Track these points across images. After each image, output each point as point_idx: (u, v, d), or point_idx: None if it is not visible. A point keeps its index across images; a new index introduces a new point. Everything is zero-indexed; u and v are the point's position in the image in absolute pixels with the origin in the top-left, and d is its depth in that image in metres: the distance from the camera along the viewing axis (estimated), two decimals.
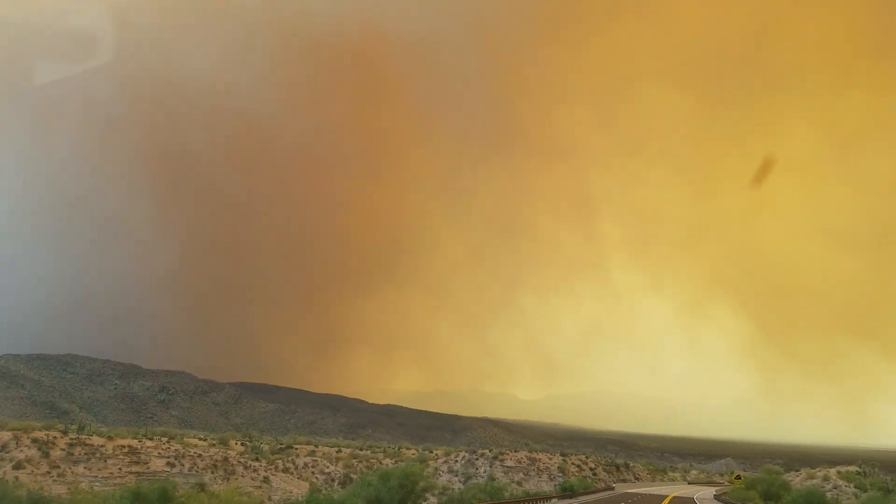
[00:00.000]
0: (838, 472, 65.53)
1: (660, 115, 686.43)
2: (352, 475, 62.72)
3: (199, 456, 47.55)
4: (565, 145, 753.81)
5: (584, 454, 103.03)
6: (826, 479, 63.48)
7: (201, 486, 45.15)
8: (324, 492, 28.74)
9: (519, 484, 73.43)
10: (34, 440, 44.35)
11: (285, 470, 55.11)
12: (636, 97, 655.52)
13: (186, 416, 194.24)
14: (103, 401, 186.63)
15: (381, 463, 71.73)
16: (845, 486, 54.70)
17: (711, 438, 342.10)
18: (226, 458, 48.84)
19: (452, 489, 49.19)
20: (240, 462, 49.70)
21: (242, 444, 68.67)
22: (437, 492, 46.76)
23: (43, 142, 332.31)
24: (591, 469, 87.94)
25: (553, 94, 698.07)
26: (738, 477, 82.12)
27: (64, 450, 42.29)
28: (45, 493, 28.68)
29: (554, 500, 51.50)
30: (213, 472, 46.55)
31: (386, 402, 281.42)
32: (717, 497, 73.11)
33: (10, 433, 45.59)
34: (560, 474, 78.02)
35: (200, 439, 70.02)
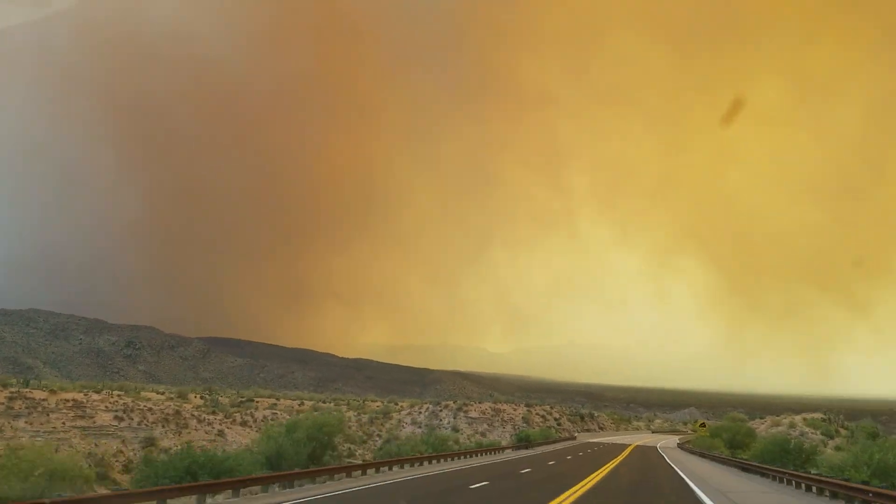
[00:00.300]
0: (804, 420, 66.04)
1: (631, 65, 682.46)
2: None
3: (150, 410, 45.94)
4: (535, 95, 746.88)
5: (548, 405, 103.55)
6: (792, 426, 63.89)
7: (150, 441, 43.71)
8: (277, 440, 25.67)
9: (483, 434, 73.15)
10: None
11: (243, 423, 53.78)
12: (607, 46, 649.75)
13: (154, 371, 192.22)
14: (68, 356, 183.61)
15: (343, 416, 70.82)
16: (811, 432, 54.81)
17: (676, 389, 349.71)
18: (178, 412, 47.26)
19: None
20: (193, 416, 48.21)
21: (202, 398, 67.18)
22: (372, 442, 44.82)
23: None
24: (555, 419, 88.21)
25: (523, 42, 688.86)
26: (703, 425, 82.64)
27: (3, 403, 40.35)
28: None
29: (508, 451, 49.61)
30: (163, 426, 45.02)
31: (356, 356, 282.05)
32: (680, 446, 73.36)
33: None
34: (524, 425, 77.92)
35: (159, 393, 68.47)
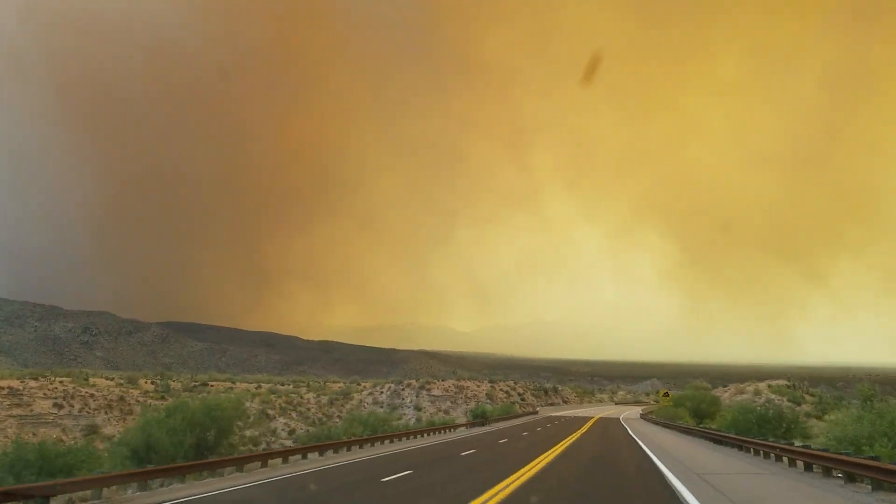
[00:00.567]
0: (769, 386, 66.03)
1: (593, 37, 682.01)
2: (268, 411, 60.00)
3: (92, 396, 43.79)
4: (499, 71, 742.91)
5: (512, 381, 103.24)
6: (757, 392, 63.68)
7: (93, 429, 41.64)
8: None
9: (446, 412, 72.22)
10: None
11: None
12: (568, 16, 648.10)
13: (112, 358, 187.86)
14: (23, 343, 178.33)
15: (301, 398, 69.18)
16: (777, 399, 54.56)
17: (639, 361, 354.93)
18: (122, 398, 45.16)
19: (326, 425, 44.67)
20: (138, 401, 46.14)
21: (153, 383, 64.86)
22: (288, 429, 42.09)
23: None
24: (519, 395, 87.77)
25: (486, 17, 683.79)
26: (667, 394, 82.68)
27: None
28: None
29: (461, 430, 47.32)
30: (107, 413, 42.94)
31: (322, 338, 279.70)
32: (643, 416, 73.32)
33: None
34: (488, 401, 77.22)
35: (108, 379, 65.98)
